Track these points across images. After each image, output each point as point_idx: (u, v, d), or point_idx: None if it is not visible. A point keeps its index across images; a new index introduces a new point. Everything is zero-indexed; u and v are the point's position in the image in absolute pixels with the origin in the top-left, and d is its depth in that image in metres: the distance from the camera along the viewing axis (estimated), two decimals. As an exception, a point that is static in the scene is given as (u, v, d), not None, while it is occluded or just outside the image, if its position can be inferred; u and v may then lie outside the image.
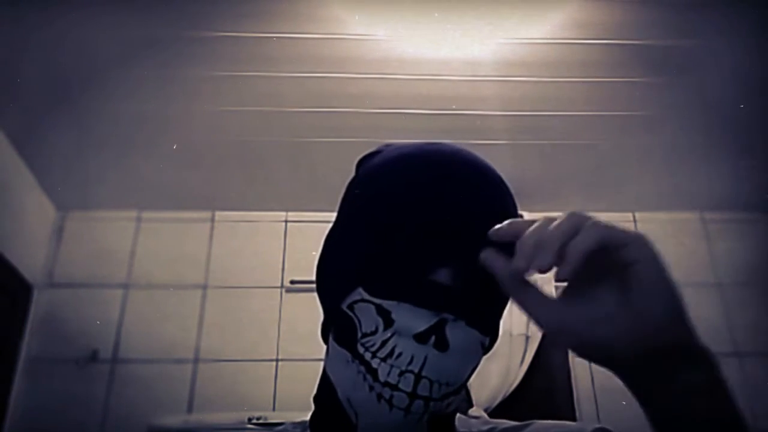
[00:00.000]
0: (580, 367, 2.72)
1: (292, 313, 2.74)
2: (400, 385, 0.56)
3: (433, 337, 0.57)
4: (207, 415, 2.45)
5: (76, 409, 2.51)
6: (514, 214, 0.64)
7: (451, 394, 0.59)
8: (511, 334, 2.64)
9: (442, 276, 0.58)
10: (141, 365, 2.63)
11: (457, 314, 0.58)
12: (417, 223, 0.58)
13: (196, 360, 2.66)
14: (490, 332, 0.62)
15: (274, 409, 2.55)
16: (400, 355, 0.57)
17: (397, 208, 0.59)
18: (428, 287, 0.58)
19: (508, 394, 2.56)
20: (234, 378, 2.62)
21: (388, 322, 0.57)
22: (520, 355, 2.62)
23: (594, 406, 2.63)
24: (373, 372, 0.57)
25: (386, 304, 0.58)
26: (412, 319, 0.57)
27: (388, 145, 0.70)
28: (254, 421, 2.29)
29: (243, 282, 2.82)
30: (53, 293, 2.74)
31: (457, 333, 0.58)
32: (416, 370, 0.56)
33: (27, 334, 2.62)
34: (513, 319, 2.68)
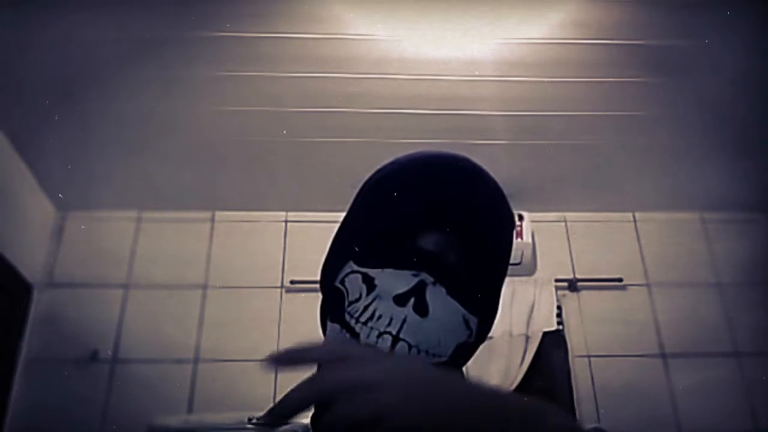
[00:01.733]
0: (580, 367, 2.73)
1: (292, 313, 2.74)
2: (378, 347, 0.57)
3: (413, 299, 0.58)
4: (207, 415, 2.44)
5: (76, 409, 2.51)
6: (500, 204, 0.67)
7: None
8: (511, 335, 2.64)
9: (426, 242, 0.61)
10: (141, 365, 2.63)
11: (436, 277, 0.59)
12: (404, 201, 0.63)
13: (196, 360, 2.66)
14: (476, 312, 0.62)
15: (274, 409, 2.55)
16: (380, 317, 0.58)
17: (388, 192, 0.64)
18: (409, 250, 0.61)
19: (508, 394, 2.56)
20: (234, 378, 2.62)
21: (371, 288, 0.60)
22: (520, 355, 2.62)
23: (594, 406, 2.63)
24: (356, 336, 0.58)
25: (371, 272, 0.60)
26: (392, 282, 0.59)
27: None
28: (254, 421, 2.29)
29: (243, 282, 2.82)
30: (53, 293, 2.74)
31: (437, 300, 0.59)
32: (394, 332, 0.57)
33: (27, 334, 2.62)
34: (513, 319, 2.68)
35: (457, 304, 0.60)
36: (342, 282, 0.62)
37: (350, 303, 0.60)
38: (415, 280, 0.59)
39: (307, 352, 0.47)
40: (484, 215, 0.65)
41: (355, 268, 0.61)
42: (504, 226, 0.68)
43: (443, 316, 0.59)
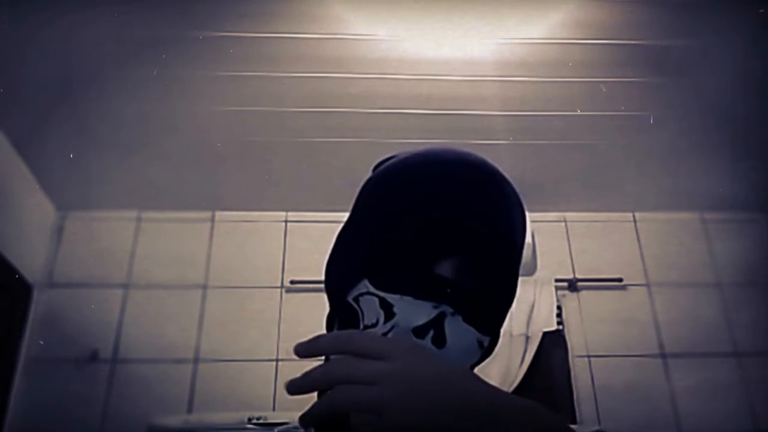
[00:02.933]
0: (580, 367, 2.72)
1: (292, 313, 2.74)
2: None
3: (432, 332, 0.58)
4: (207, 415, 2.44)
5: (76, 409, 2.51)
6: (516, 215, 0.65)
7: None
8: (511, 335, 2.64)
9: (444, 269, 0.60)
10: (141, 365, 2.63)
11: (456, 308, 0.58)
12: (421, 218, 0.60)
13: (196, 360, 2.66)
14: (489, 331, 0.62)
15: (274, 409, 2.55)
16: None
17: (404, 204, 0.61)
18: (429, 279, 0.59)
19: (508, 394, 2.56)
20: (234, 378, 2.62)
21: (390, 315, 0.58)
22: (520, 355, 2.62)
23: (594, 406, 2.63)
24: None
25: (389, 297, 0.59)
26: (412, 312, 0.58)
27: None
28: (254, 421, 2.29)
29: (243, 282, 2.82)
30: (53, 293, 2.74)
31: (454, 329, 0.58)
32: None
33: (27, 334, 2.62)
34: (513, 319, 2.68)
35: (473, 329, 0.60)
36: (356, 300, 0.61)
37: (365, 327, 0.59)
38: (435, 312, 0.58)
39: (318, 343, 0.49)
40: (502, 232, 0.63)
41: (372, 289, 0.60)
42: (518, 237, 0.66)
43: (459, 344, 0.59)
